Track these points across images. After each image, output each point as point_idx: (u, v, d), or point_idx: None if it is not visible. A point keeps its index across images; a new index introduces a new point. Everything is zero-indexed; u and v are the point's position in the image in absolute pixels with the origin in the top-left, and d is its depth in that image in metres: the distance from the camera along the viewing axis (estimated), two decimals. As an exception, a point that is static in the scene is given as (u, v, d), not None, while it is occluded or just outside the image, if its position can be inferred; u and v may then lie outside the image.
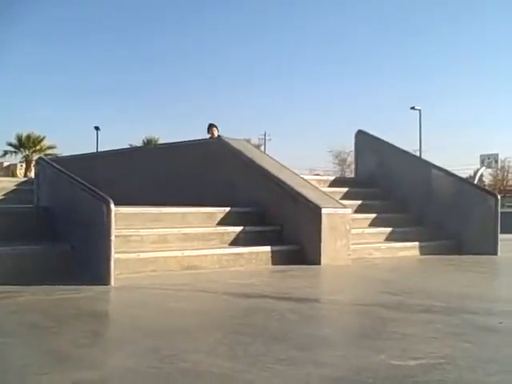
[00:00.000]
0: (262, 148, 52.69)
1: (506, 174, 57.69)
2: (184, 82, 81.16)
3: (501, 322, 3.80)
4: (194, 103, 78.78)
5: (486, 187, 38.39)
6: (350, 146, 10.97)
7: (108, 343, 3.47)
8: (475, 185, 11.32)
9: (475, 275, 6.46)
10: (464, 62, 76.49)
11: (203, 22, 78.88)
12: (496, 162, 39.66)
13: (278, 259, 6.69)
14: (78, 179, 5.68)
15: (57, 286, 4.90)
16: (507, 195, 41.67)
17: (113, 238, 5.10)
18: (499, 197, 8.69)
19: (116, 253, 5.21)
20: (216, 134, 10.81)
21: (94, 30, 76.76)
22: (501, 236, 8.34)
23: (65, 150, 42.12)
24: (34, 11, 52.90)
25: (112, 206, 5.11)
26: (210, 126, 11.08)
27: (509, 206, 32.72)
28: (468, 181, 11.32)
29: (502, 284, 6.31)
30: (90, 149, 34.80)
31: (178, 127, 68.85)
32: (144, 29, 77.50)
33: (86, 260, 5.37)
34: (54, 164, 6.51)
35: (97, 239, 5.24)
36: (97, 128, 43.05)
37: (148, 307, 4.38)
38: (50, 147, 45.44)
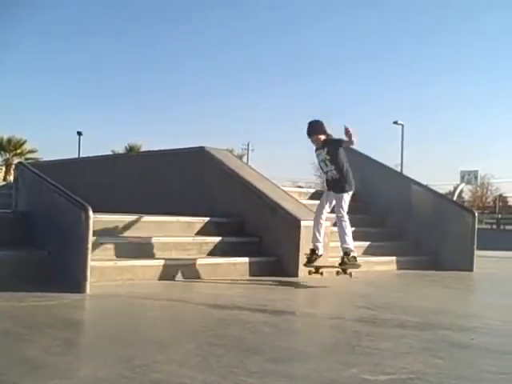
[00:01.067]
0: (245, 158, 52.77)
1: (485, 190, 58.38)
2: (171, 88, 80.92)
3: (473, 339, 3.84)
4: (182, 110, 78.66)
5: (466, 203, 38.82)
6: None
7: (81, 352, 3.45)
8: (453, 201, 11.46)
9: (450, 291, 6.52)
10: (446, 75, 77.30)
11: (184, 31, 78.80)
12: (476, 178, 40.11)
13: (255, 270, 6.70)
14: (57, 185, 5.65)
15: (32, 293, 4.86)
16: (486, 212, 42.10)
17: (90, 245, 5.07)
18: (477, 214, 8.79)
19: (93, 260, 5.19)
20: (322, 139, 6.48)
21: (81, 33, 76.08)
22: (478, 252, 8.43)
23: (46, 154, 41.79)
24: (32, 14, 52.30)
25: (90, 212, 5.09)
26: (314, 130, 6.52)
27: (487, 223, 33.06)
28: (446, 197, 11.45)
29: (476, 300, 6.38)
30: (72, 154, 34.66)
31: (164, 133, 68.53)
32: (132, 32, 77.17)
33: (63, 267, 5.34)
34: (33, 169, 6.47)
35: (74, 246, 5.21)
36: (79, 133, 42.87)
37: (122, 316, 4.36)
38: (31, 151, 45.07)
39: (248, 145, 58.49)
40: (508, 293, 6.45)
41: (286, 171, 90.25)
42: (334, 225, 8.26)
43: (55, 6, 67.24)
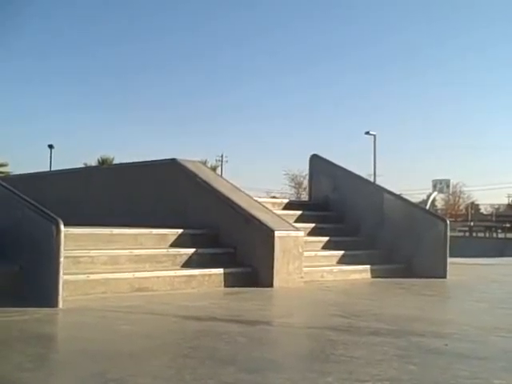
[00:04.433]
0: (219, 169, 52.79)
1: (457, 198, 59.07)
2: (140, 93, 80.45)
3: (446, 344, 3.87)
4: (152, 120, 78.36)
5: (439, 212, 39.20)
6: (306, 169, 11.14)
7: (53, 367, 3.40)
8: (426, 210, 11.56)
9: (424, 298, 6.56)
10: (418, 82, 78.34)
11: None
12: (448, 187, 40.57)
13: (230, 281, 6.68)
14: (27, 198, 5.57)
15: (3, 308, 4.77)
16: (458, 219, 42.56)
17: (62, 258, 5.01)
18: (449, 221, 8.88)
19: (65, 274, 5.12)
20: None
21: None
22: (451, 260, 8.51)
23: (18, 168, 41.24)
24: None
25: (61, 226, 5.03)
26: None
27: (460, 231, 33.40)
28: (419, 206, 11.54)
29: (450, 307, 6.44)
30: (44, 167, 34.31)
31: (137, 143, 67.97)
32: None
33: (34, 281, 5.26)
34: (3, 182, 6.38)
35: (45, 260, 5.14)
36: (50, 146, 42.52)
37: (96, 330, 4.30)
38: (1, 165, 44.50)
39: (222, 156, 58.57)
40: (481, 299, 6.52)
41: (260, 182, 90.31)
42: (309, 234, 8.33)
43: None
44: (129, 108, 79.56)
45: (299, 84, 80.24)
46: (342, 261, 8.25)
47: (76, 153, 62.34)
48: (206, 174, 8.24)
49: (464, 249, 16.21)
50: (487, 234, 33.05)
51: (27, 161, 54.74)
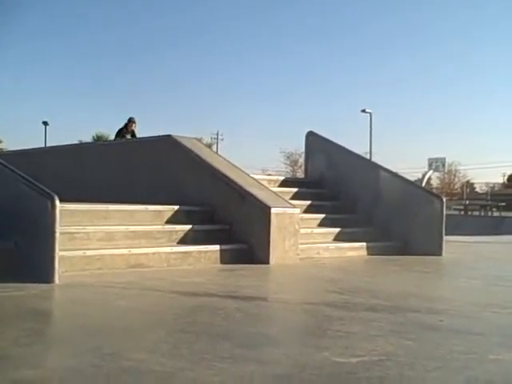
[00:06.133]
0: (215, 147, 52.58)
1: (452, 177, 59.16)
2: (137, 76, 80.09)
3: (441, 320, 3.88)
4: (149, 99, 78.00)
5: (434, 190, 39.23)
6: (301, 147, 11.07)
7: (49, 342, 3.40)
8: (422, 187, 11.55)
9: (420, 275, 6.59)
10: (414, 64, 77.96)
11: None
12: (443, 165, 40.50)
13: (226, 258, 6.68)
14: (23, 174, 5.54)
15: (-1, 284, 4.78)
16: (454, 198, 42.63)
17: (57, 234, 4.99)
18: (445, 199, 8.88)
19: (61, 250, 5.11)
20: None
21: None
22: (446, 237, 8.53)
23: (12, 144, 41.00)
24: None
25: (57, 201, 5.01)
26: None
27: (455, 209, 33.45)
28: (415, 183, 11.53)
29: (445, 283, 6.46)
30: (39, 144, 34.12)
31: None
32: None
33: (30, 257, 5.25)
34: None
35: (41, 236, 5.12)
36: (45, 123, 42.23)
37: (91, 305, 4.30)
38: (-4, 142, 44.29)
39: (217, 134, 58.33)
40: (475, 276, 6.54)
41: (255, 160, 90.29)
42: (305, 212, 8.32)
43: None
44: (121, 92, 79.27)
45: (295, 63, 79.72)
46: (338, 238, 8.26)
47: (71, 131, 62.11)
48: (201, 151, 8.21)
49: (459, 227, 16.27)
50: (482, 213, 33.07)
51: (22, 138, 54.55)
